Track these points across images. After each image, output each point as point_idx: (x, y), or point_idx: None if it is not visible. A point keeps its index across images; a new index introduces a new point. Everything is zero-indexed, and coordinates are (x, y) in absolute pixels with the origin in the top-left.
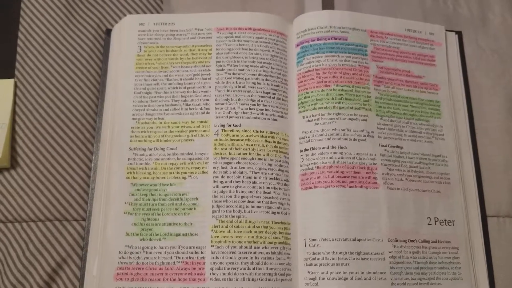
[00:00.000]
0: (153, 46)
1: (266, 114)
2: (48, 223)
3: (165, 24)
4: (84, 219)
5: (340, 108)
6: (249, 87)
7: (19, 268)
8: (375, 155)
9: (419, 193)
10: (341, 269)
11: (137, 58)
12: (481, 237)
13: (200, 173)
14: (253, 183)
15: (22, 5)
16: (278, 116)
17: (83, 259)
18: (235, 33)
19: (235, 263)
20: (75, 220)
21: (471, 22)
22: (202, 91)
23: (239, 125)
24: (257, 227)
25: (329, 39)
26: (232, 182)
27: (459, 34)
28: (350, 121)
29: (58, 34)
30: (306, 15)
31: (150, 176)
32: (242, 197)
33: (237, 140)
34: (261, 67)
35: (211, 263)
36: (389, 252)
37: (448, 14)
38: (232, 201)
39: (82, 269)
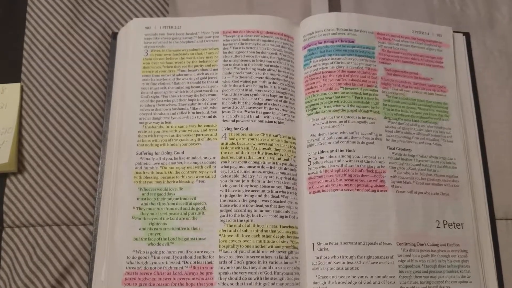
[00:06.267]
0: (160, 49)
1: (273, 118)
2: (55, 227)
3: (172, 27)
4: (91, 224)
5: (347, 111)
6: (256, 90)
7: (26, 273)
8: (383, 158)
9: (428, 196)
10: (350, 273)
11: (144, 61)
12: (490, 240)
13: (208, 177)
14: (260, 187)
15: (28, 9)
16: (286, 119)
17: (90, 263)
18: (242, 36)
19: (243, 268)
20: (83, 224)
21: (479, 23)
22: (209, 95)
23: (246, 129)
24: (265, 231)
25: (336, 41)
26: (240, 186)
27: (467, 35)
28: (358, 124)
29: (64, 37)
30: (313, 18)
31: (158, 180)
32: (250, 201)
33: (244, 143)
34: (268, 70)
35: (219, 268)
36: (398, 255)
37: (456, 15)
38: (240, 205)
39: (89, 273)
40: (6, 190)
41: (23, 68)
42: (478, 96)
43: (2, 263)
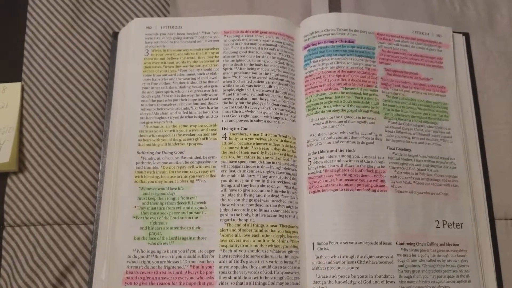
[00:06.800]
0: (160, 49)
1: (273, 117)
2: (56, 226)
3: (172, 27)
4: (92, 223)
5: (347, 111)
6: (257, 90)
7: (27, 272)
8: (383, 158)
9: (427, 196)
10: (350, 272)
11: (145, 61)
12: (489, 240)
13: (208, 176)
14: (261, 186)
15: (29, 8)
16: (286, 119)
17: (91, 262)
18: (242, 36)
19: (243, 267)
20: (83, 223)
21: (479, 23)
22: (210, 95)
23: (247, 129)
24: (265, 230)
25: (336, 41)
26: (240, 185)
27: (467, 35)
28: (358, 124)
29: (64, 37)
30: (313, 18)
31: (158, 180)
32: (250, 200)
33: (244, 143)
34: (268, 70)
35: (220, 267)
36: (398, 255)
37: (455, 16)
38: (240, 205)
39: (90, 272)
40: (7, 189)
41: (24, 68)
42: (477, 96)
43: (3, 262)
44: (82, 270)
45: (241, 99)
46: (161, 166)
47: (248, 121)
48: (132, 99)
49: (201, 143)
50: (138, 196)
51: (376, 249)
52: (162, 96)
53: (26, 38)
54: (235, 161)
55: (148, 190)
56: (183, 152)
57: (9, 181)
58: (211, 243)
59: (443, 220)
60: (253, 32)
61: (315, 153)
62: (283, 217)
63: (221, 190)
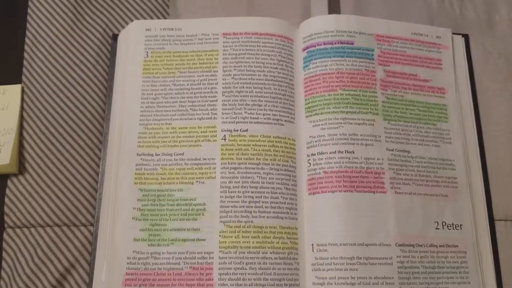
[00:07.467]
0: (160, 51)
1: (273, 119)
2: (56, 228)
3: (172, 29)
4: (92, 224)
5: (347, 112)
6: (256, 92)
7: (27, 274)
8: (383, 159)
9: (427, 197)
10: (349, 274)
11: (144, 63)
12: (489, 241)
13: (208, 178)
14: (260, 188)
15: (29, 10)
16: (285, 121)
17: (91, 264)
18: (242, 37)
19: (243, 269)
20: (83, 225)
21: (478, 25)
22: (209, 96)
23: (246, 130)
24: (264, 232)
25: (335, 43)
26: (240, 187)
27: (466, 37)
28: (357, 126)
29: (64, 39)
30: (312, 20)
31: (158, 182)
32: (249, 202)
33: (244, 145)
34: (267, 71)
35: (219, 269)
36: (397, 256)
37: (455, 17)
38: (240, 206)
39: (90, 274)
40: (7, 191)
41: (24, 70)
42: (477, 97)
43: (4, 263)
44: (82, 271)
45: (240, 100)
46: (161, 168)
47: (247, 122)
48: (131, 101)
49: (200, 145)
50: (138, 197)
51: (376, 250)
52: (161, 98)
53: (26, 40)
54: (235, 163)
55: (148, 191)
56: (182, 154)
57: (9, 183)
58: (211, 245)
59: (442, 222)
60: (252, 34)
61: (314, 154)
62: (282, 218)
63: (221, 192)
